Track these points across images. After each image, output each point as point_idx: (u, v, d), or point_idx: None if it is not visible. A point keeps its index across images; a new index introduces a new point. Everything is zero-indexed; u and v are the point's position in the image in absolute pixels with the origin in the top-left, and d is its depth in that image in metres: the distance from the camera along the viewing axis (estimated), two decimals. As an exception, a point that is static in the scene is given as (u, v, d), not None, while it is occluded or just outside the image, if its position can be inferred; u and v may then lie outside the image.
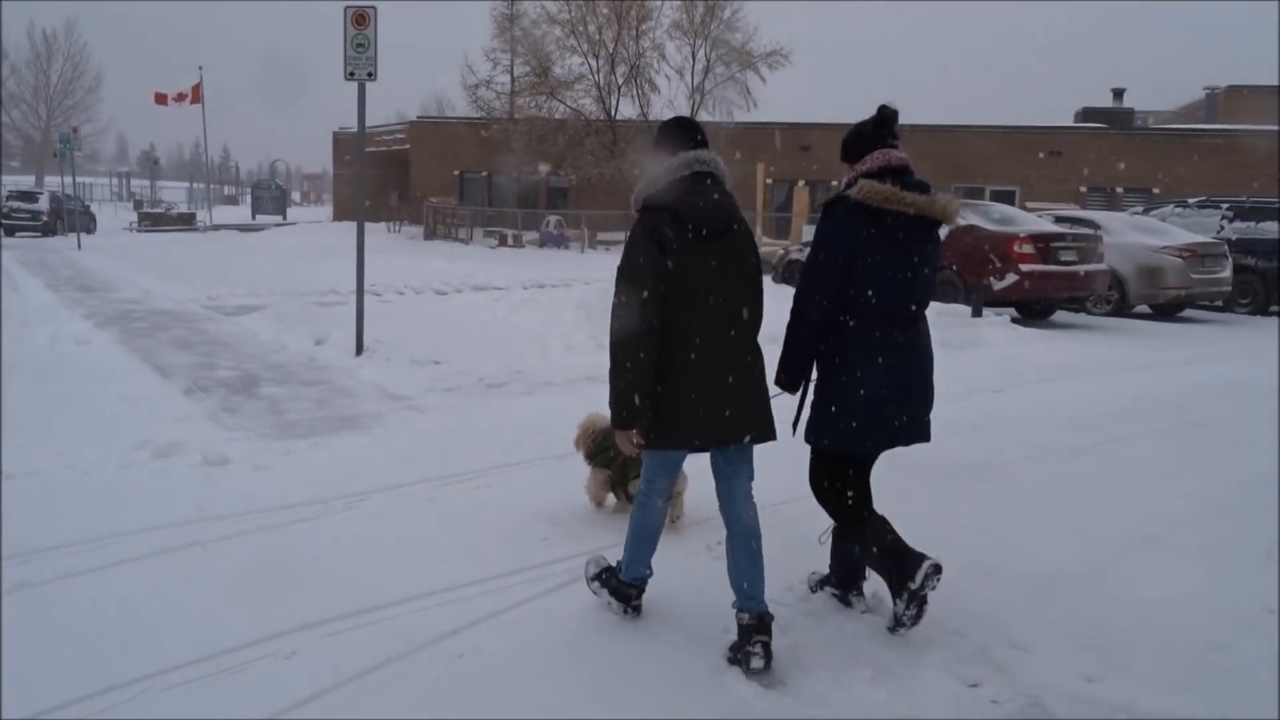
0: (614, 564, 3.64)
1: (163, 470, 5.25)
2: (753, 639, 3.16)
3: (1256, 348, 11.52)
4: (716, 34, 31.58)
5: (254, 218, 47.97)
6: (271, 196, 51.81)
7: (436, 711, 2.90)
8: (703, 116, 32.06)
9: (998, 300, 12.79)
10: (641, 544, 3.50)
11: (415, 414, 6.72)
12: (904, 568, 3.38)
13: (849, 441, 3.51)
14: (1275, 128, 28.88)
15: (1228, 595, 3.90)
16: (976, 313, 12.23)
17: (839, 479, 3.66)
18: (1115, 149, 31.66)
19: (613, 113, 32.54)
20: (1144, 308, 14.82)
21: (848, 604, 3.66)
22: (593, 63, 32.40)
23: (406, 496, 4.95)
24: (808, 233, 26.20)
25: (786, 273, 16.27)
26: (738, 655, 3.20)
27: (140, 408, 6.63)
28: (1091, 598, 3.85)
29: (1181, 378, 9.20)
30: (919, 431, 3.63)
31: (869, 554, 3.53)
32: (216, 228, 40.45)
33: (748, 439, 3.35)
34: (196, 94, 43.20)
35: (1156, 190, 29.77)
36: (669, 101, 33.32)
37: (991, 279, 12.64)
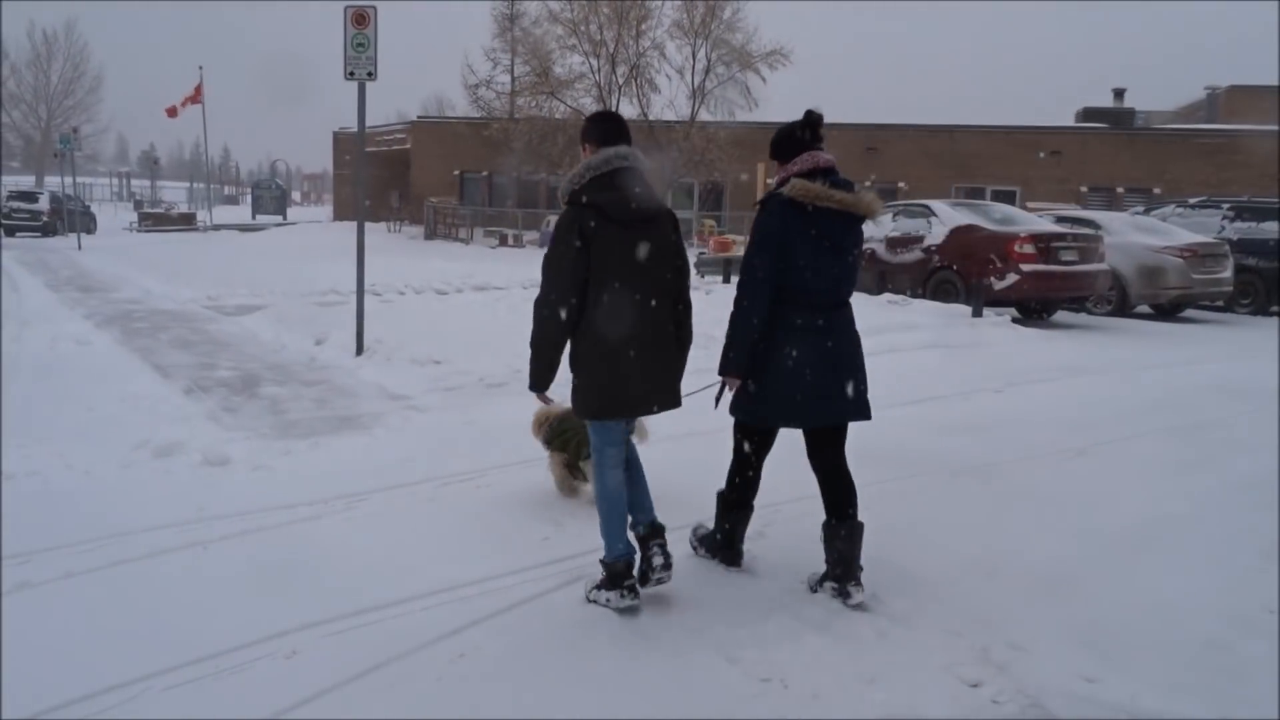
0: (606, 563, 3.67)
1: (163, 470, 5.25)
2: (651, 544, 3.61)
3: (1257, 348, 11.51)
4: (717, 34, 31.57)
5: (254, 218, 47.98)
6: (272, 196, 51.81)
7: (437, 711, 2.90)
8: (704, 116, 32.08)
9: (998, 300, 12.79)
10: (612, 518, 3.65)
11: (415, 414, 6.72)
12: (732, 545, 4.03)
13: (772, 417, 3.82)
14: (1276, 128, 28.86)
15: (1228, 595, 3.90)
16: (977, 313, 12.22)
17: (750, 451, 3.98)
18: (1116, 149, 31.66)
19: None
20: (1145, 308, 14.81)
21: (846, 595, 3.71)
22: (593, 62, 32.40)
23: (407, 496, 4.95)
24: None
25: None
26: (646, 565, 3.58)
27: (140, 408, 6.64)
28: (1092, 598, 3.85)
29: (1182, 378, 9.19)
30: (852, 410, 3.82)
31: (723, 523, 4.03)
32: (217, 228, 40.46)
33: (657, 409, 3.70)
34: (198, 94, 43.21)
35: (1157, 190, 29.76)
36: (669, 101, 33.36)
37: (992, 279, 12.63)
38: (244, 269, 18.09)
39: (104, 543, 4.16)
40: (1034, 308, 13.74)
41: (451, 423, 6.54)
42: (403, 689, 3.03)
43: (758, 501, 4.57)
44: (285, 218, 48.79)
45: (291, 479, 5.19)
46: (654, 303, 3.58)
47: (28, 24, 71.01)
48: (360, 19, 8.34)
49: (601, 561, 3.66)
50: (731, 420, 4.01)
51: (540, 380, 3.65)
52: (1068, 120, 36.11)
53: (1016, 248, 12.55)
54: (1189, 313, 15.37)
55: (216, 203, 58.30)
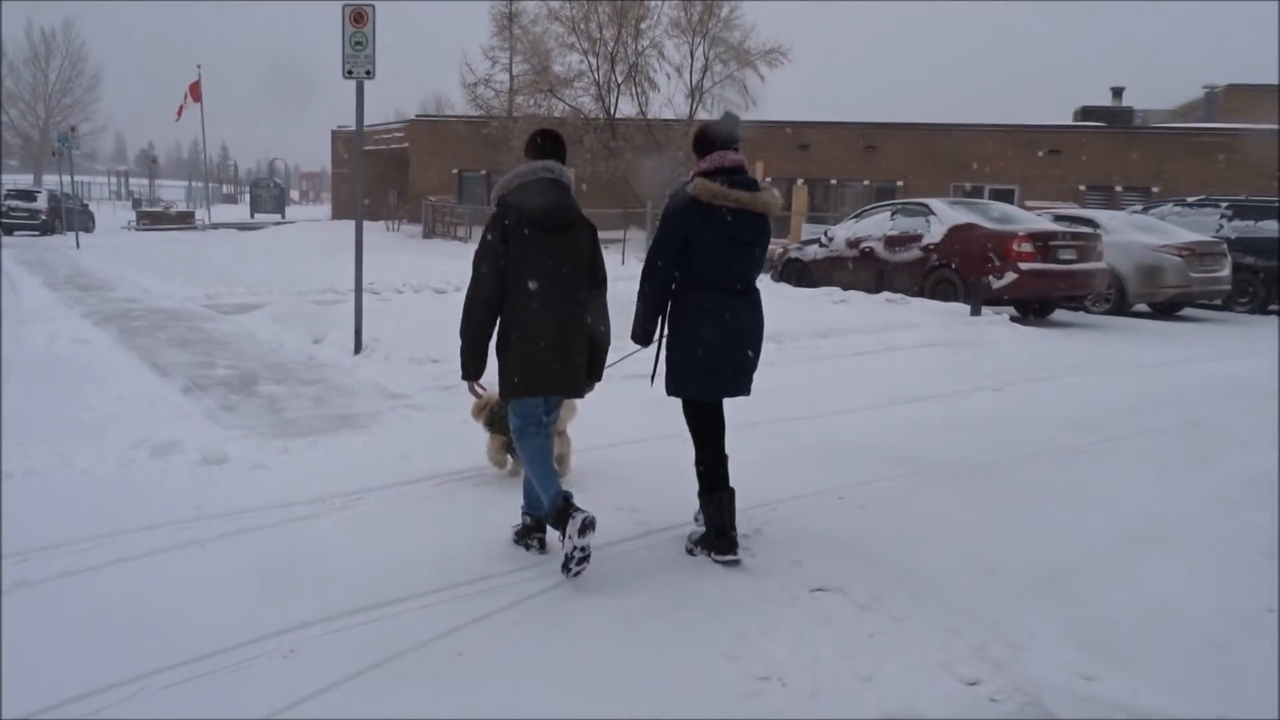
0: (529, 522, 4.22)
1: (161, 469, 5.25)
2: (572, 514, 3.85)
3: (1256, 346, 11.53)
4: (715, 32, 31.56)
5: (253, 216, 47.93)
6: (270, 195, 51.76)
7: (435, 710, 2.90)
8: (702, 115, 32.06)
9: (997, 299, 12.80)
10: (541, 472, 4.04)
11: (414, 412, 6.71)
12: (724, 533, 4.12)
13: (684, 389, 4.19)
14: (1275, 127, 28.88)
15: (1227, 594, 3.90)
16: (975, 311, 12.23)
17: (701, 421, 4.29)
18: (1114, 147, 31.66)
19: (612, 111, 32.53)
20: (1143, 306, 14.82)
21: (721, 556, 4.08)
22: (592, 61, 32.39)
23: (405, 495, 4.95)
24: (807, 231, 26.21)
25: (786, 271, 16.28)
26: (567, 563, 3.80)
27: (138, 406, 6.63)
28: (1090, 596, 3.85)
29: (1180, 377, 9.20)
30: (737, 388, 4.25)
31: (703, 500, 4.21)
32: (215, 226, 40.43)
33: (569, 393, 4.17)
34: (196, 92, 43.17)
35: (1156, 189, 29.77)
36: (668, 100, 33.34)
37: (991, 277, 12.64)
38: (242, 268, 18.08)
39: (102, 541, 4.16)
40: (1032, 306, 13.75)
41: (449, 421, 6.53)
42: (401, 688, 3.03)
43: (755, 499, 4.58)
44: (284, 216, 48.75)
45: (289, 477, 5.18)
46: (566, 299, 3.99)
47: (26, 22, 70.87)
48: (358, 17, 8.33)
49: (547, 514, 3.96)
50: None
51: (470, 367, 4.08)
52: (1066, 119, 36.11)
53: (1015, 246, 12.55)
54: (1187, 311, 15.38)
55: (215, 201, 58.27)
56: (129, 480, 5.06)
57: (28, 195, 34.65)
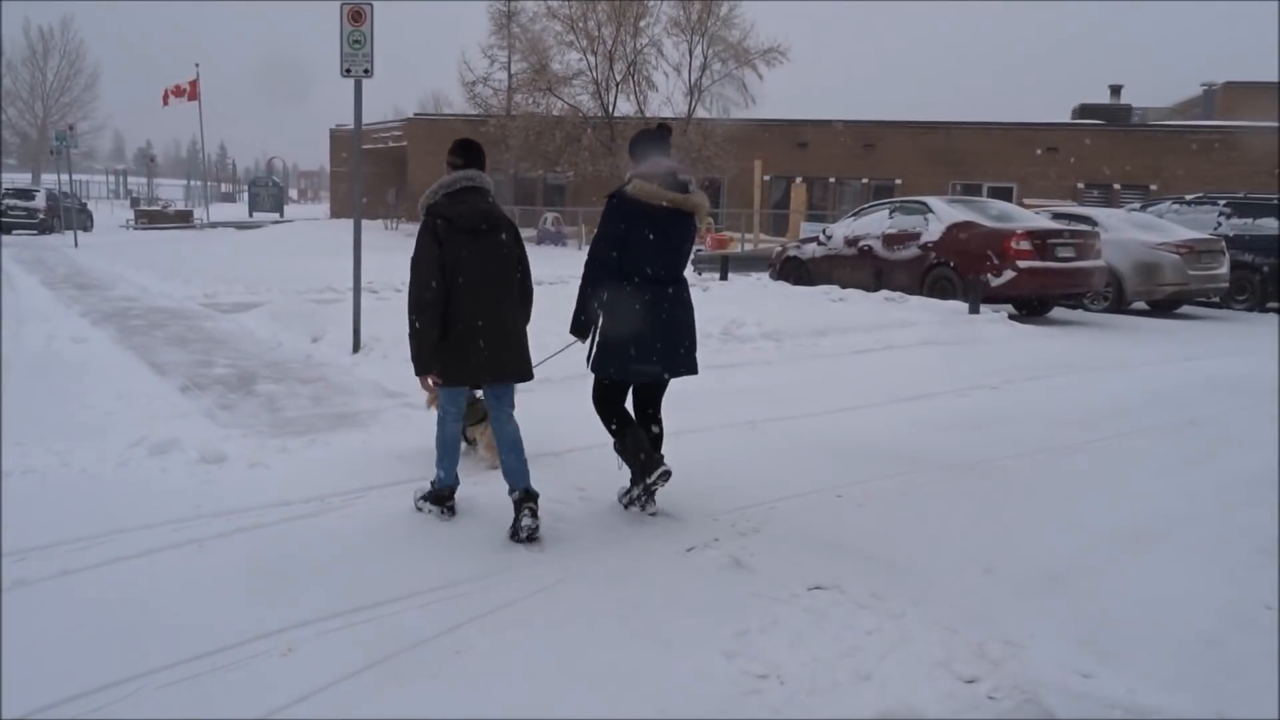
0: (429, 488, 4.66)
1: (159, 468, 5.24)
2: (523, 506, 4.28)
3: (1254, 344, 11.54)
4: (714, 31, 31.57)
5: (251, 215, 47.94)
6: (269, 194, 51.77)
7: (433, 709, 2.90)
8: (700, 113, 32.08)
9: (995, 297, 12.80)
10: (445, 457, 4.56)
11: (412, 411, 6.71)
12: (647, 469, 4.53)
13: (618, 372, 4.55)
14: (1273, 124, 28.90)
15: (1225, 592, 3.91)
16: (974, 309, 12.23)
17: (611, 399, 4.69)
18: (1113, 145, 31.69)
19: (610, 109, 32.53)
20: (1141, 304, 14.83)
21: (627, 503, 4.66)
22: (591, 59, 32.40)
23: (403, 493, 4.95)
24: (806, 229, 26.22)
25: (784, 269, 16.28)
26: (516, 524, 4.27)
27: (137, 405, 6.63)
28: (1088, 594, 3.86)
29: (1179, 374, 9.21)
30: (682, 367, 4.66)
31: (626, 452, 4.62)
32: (213, 225, 40.41)
33: (505, 379, 4.50)
34: (194, 91, 43.14)
35: (1154, 186, 29.81)
36: (666, 98, 33.38)
37: (989, 275, 12.64)
38: (240, 266, 18.07)
39: (100, 540, 4.16)
40: (1031, 304, 13.76)
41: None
42: (399, 686, 3.03)
43: (754, 497, 4.62)
44: (282, 215, 48.77)
45: (288, 476, 5.18)
46: (494, 294, 4.36)
47: (24, 20, 70.86)
48: (356, 16, 8.32)
49: (432, 484, 4.61)
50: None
51: (421, 363, 4.36)
52: (1064, 117, 36.13)
53: (1013, 244, 12.55)
54: (1185, 309, 15.40)
55: (213, 200, 58.24)
56: (127, 479, 5.06)
57: (26, 194, 34.63)
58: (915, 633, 3.44)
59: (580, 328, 4.60)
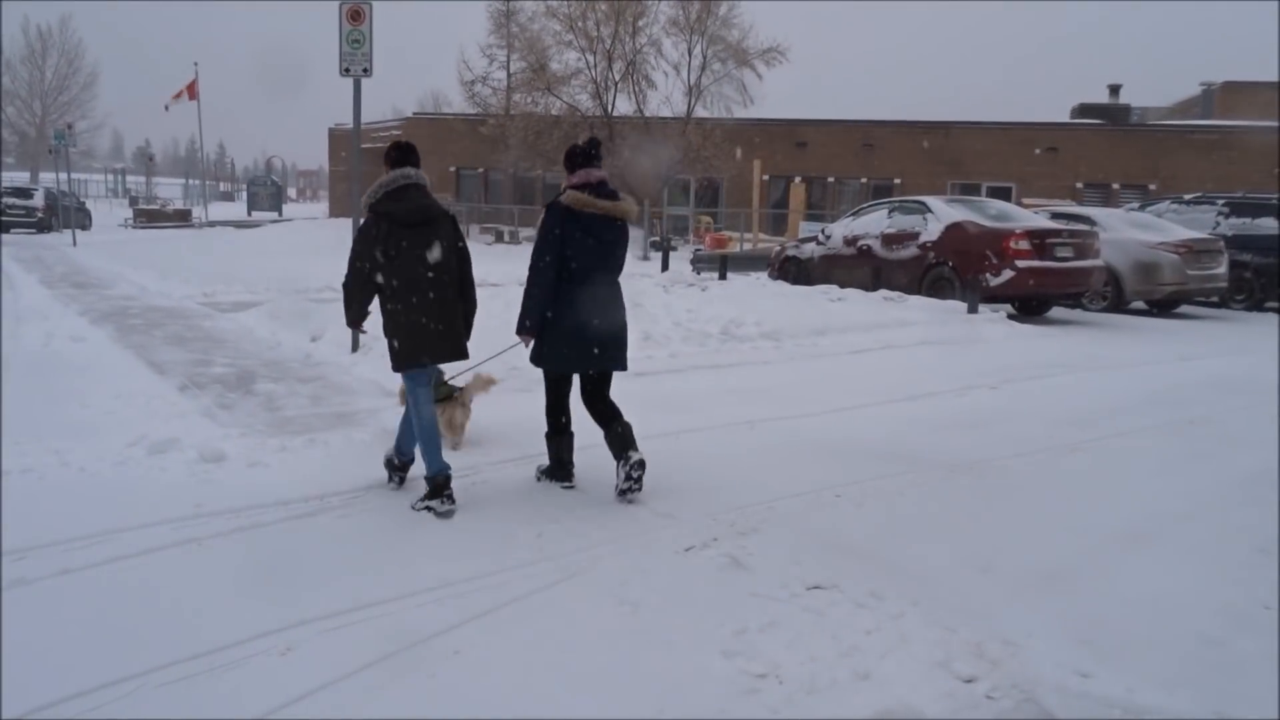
0: (395, 460, 5.04)
1: (158, 467, 5.24)
2: (441, 492, 4.65)
3: (1252, 344, 11.55)
4: (713, 30, 31.54)
5: (250, 214, 47.91)
6: (267, 193, 51.73)
7: (431, 708, 2.90)
8: (700, 113, 32.07)
9: (994, 296, 12.81)
10: (430, 442, 4.77)
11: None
12: (563, 465, 5.14)
13: (560, 365, 4.99)
14: (1272, 123, 28.91)
15: (1224, 591, 3.91)
16: (973, 309, 12.24)
17: (558, 393, 5.15)
18: (1112, 145, 31.70)
19: (609, 109, 32.52)
20: (1140, 304, 14.84)
21: (567, 480, 5.12)
22: (590, 58, 32.37)
23: (402, 493, 4.95)
24: (805, 229, 26.23)
25: (783, 269, 16.28)
26: (430, 501, 4.63)
27: (135, 404, 6.63)
28: (1087, 593, 3.86)
29: (1177, 374, 9.22)
30: (614, 362, 5.01)
31: (554, 448, 5.14)
32: (212, 224, 40.38)
33: (444, 359, 4.88)
34: (192, 90, 43.10)
35: (1153, 186, 29.83)
36: (665, 97, 33.37)
37: (988, 275, 12.65)
38: (239, 265, 18.07)
39: (99, 539, 4.16)
40: (1030, 304, 13.76)
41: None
42: (398, 685, 3.03)
43: (752, 497, 4.61)
44: (281, 214, 48.72)
45: (287, 475, 5.18)
46: (436, 282, 4.69)
47: (22, 19, 70.74)
48: (355, 15, 8.32)
49: (426, 478, 4.72)
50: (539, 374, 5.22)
51: (352, 320, 4.88)
52: (1063, 116, 36.13)
53: (1012, 244, 12.56)
54: (1184, 309, 15.40)
55: (212, 199, 58.20)
56: (126, 478, 5.06)
57: (24, 193, 34.59)
58: (914, 632, 3.45)
59: (525, 329, 4.91)
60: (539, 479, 5.22)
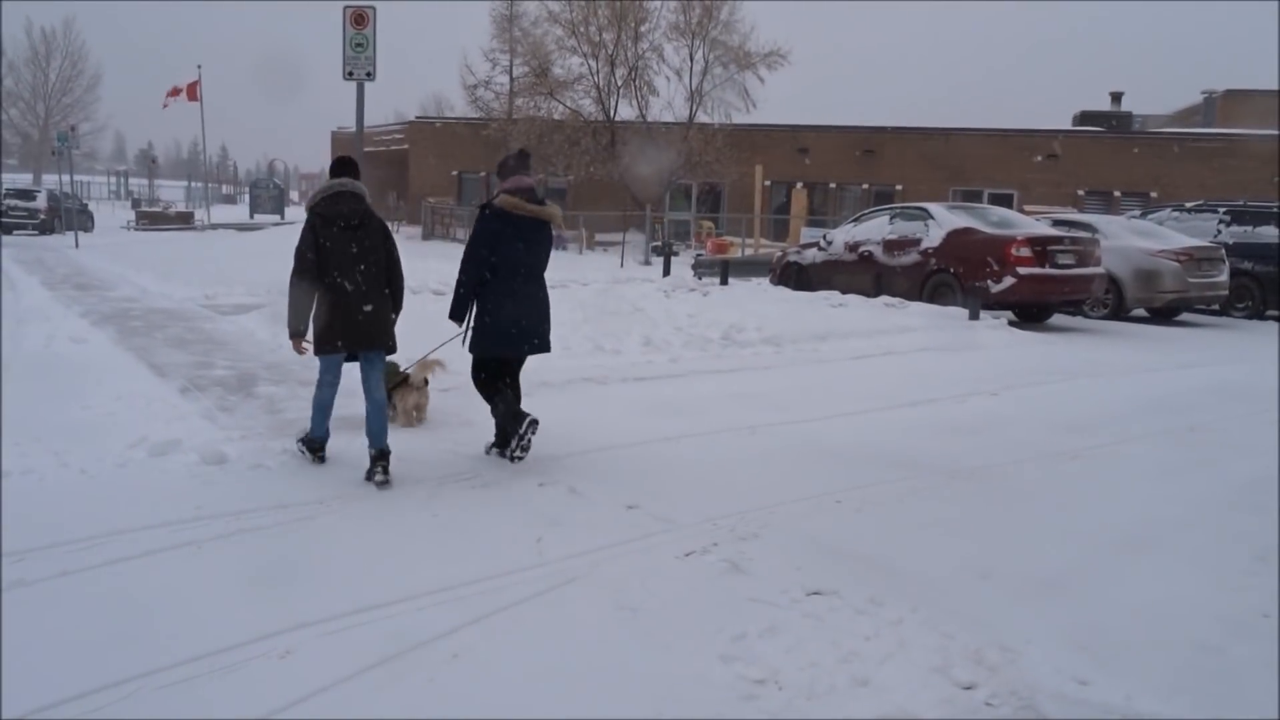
0: (307, 436, 5.58)
1: (159, 469, 5.25)
2: (377, 464, 5.18)
3: (1253, 351, 11.55)
4: (714, 35, 31.59)
5: (252, 217, 47.92)
6: (269, 196, 51.75)
7: (431, 712, 2.90)
8: (701, 118, 32.11)
9: (995, 303, 12.81)
10: (318, 415, 5.48)
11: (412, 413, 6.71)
12: (517, 423, 5.51)
13: (490, 350, 5.63)
14: (1273, 132, 28.92)
15: (1223, 598, 3.91)
16: (974, 315, 12.24)
17: (488, 373, 5.75)
18: (1113, 152, 31.71)
19: (611, 114, 32.55)
20: (1141, 311, 14.84)
21: (512, 457, 5.56)
22: (592, 64, 32.43)
23: (402, 496, 4.96)
24: (806, 234, 26.24)
25: (784, 274, 16.29)
26: (370, 474, 5.19)
27: (136, 406, 6.63)
28: (1086, 600, 3.86)
29: (1178, 381, 9.22)
30: (539, 348, 5.71)
31: (503, 415, 5.59)
32: (214, 227, 40.40)
33: (367, 348, 5.40)
34: (194, 92, 43.16)
35: (1154, 194, 29.84)
36: (668, 103, 33.37)
37: (989, 282, 12.65)
38: (241, 268, 18.07)
39: (99, 541, 4.16)
40: (1030, 311, 13.76)
41: (447, 423, 6.55)
42: (397, 689, 3.03)
43: (753, 502, 4.63)
44: (283, 217, 48.71)
45: (287, 478, 5.19)
46: (358, 279, 5.26)
47: (26, 21, 70.83)
48: (359, 19, 8.35)
49: (308, 435, 5.54)
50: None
51: (296, 328, 5.32)
52: (1065, 123, 36.15)
53: (1013, 251, 12.56)
54: (1185, 316, 15.40)
55: (214, 202, 58.22)
56: (127, 480, 5.07)
57: (27, 195, 34.62)
58: (913, 638, 3.45)
59: (457, 316, 5.60)
60: (488, 453, 5.71)
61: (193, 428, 6.10)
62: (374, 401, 5.38)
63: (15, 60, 67.81)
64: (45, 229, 32.76)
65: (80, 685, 2.97)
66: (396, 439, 6.01)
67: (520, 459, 5.51)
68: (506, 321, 5.49)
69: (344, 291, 5.23)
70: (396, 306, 5.57)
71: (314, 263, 5.24)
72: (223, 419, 6.46)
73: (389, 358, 5.72)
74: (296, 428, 6.17)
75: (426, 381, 6.46)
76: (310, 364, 8.63)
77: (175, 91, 43.03)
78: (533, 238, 5.54)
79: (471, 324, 5.60)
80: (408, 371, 6.44)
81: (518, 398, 5.74)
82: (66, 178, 32.02)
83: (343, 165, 5.51)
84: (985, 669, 3.24)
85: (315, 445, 5.55)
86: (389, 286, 5.49)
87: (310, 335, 5.35)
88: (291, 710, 2.89)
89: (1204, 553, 4.44)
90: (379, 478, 5.14)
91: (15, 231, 31.61)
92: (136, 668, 3.08)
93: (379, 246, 5.41)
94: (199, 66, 43.22)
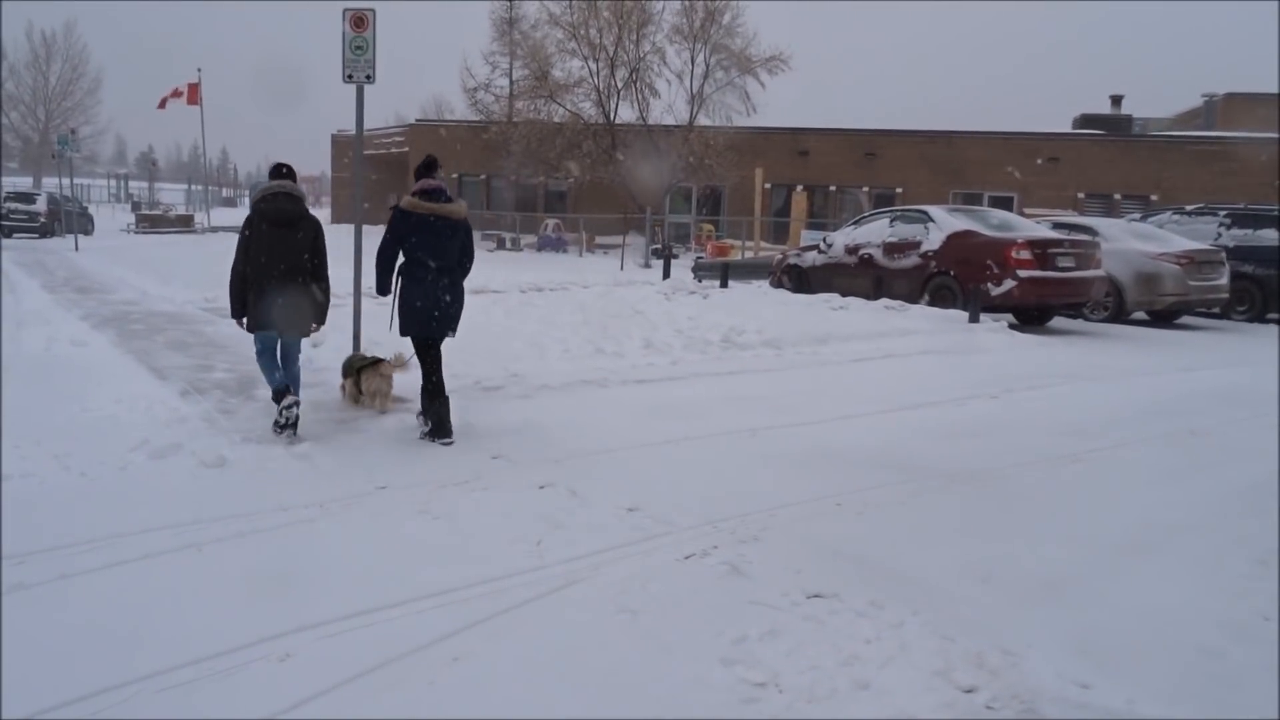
0: (273, 393, 6.32)
1: (159, 472, 5.25)
2: (283, 395, 6.14)
3: (1254, 355, 11.55)
4: (716, 38, 31.62)
5: (252, 219, 47.85)
6: (270, 198, 51.66)
7: (430, 715, 2.90)
8: (702, 121, 32.13)
9: (995, 306, 12.80)
10: (265, 373, 6.37)
11: (411, 416, 6.71)
12: (442, 425, 6.22)
13: (407, 330, 6.37)
14: (1274, 135, 28.94)
15: (1224, 602, 3.91)
16: (974, 318, 12.24)
17: (422, 359, 6.43)
18: (1113, 155, 31.73)
19: (612, 116, 32.58)
20: (1141, 314, 14.84)
21: (443, 439, 6.15)
22: (593, 66, 32.45)
23: (402, 499, 4.95)
24: (807, 237, 26.25)
25: (784, 277, 16.29)
26: (276, 420, 6.12)
27: (137, 409, 6.63)
28: (1087, 604, 3.86)
29: (1178, 385, 9.21)
30: (449, 330, 6.45)
31: (432, 406, 6.27)
32: (214, 229, 40.41)
33: (289, 331, 6.31)
34: (194, 95, 43.19)
35: (1154, 197, 29.84)
36: (668, 106, 33.41)
37: (989, 285, 12.65)
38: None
39: (100, 544, 4.16)
40: (1031, 314, 13.76)
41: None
42: (397, 692, 3.03)
43: (753, 505, 4.63)
44: (283, 220, 48.64)
45: (288, 481, 5.19)
46: (285, 270, 6.14)
47: (26, 25, 70.91)
48: (359, 22, 8.33)
49: (272, 392, 6.29)
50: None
51: (235, 310, 6.32)
52: (1065, 127, 36.17)
53: (1014, 254, 12.56)
54: (1185, 319, 15.40)
55: (214, 204, 58.26)
56: (127, 483, 5.07)
57: (27, 198, 34.63)
58: (914, 641, 3.44)
59: (381, 289, 6.45)
60: (421, 438, 6.25)
61: (193, 431, 6.10)
62: (290, 373, 6.36)
63: (16, 63, 67.81)
64: (45, 232, 32.77)
65: (80, 688, 2.97)
66: (402, 450, 6.04)
67: (283, 428, 6.08)
68: (418, 307, 6.26)
69: (270, 282, 6.08)
70: (318, 300, 6.39)
71: (248, 259, 6.18)
72: (223, 422, 6.46)
73: (392, 355, 6.89)
74: (299, 431, 6.17)
75: (392, 372, 7.03)
76: (311, 367, 8.69)
77: (177, 93, 43.04)
78: (442, 232, 6.28)
79: (395, 310, 6.37)
80: (381, 358, 7.02)
81: (438, 372, 6.38)
82: (66, 181, 32.02)
83: (278, 171, 6.47)
84: (986, 672, 3.24)
85: (276, 394, 6.24)
86: (314, 278, 6.35)
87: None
88: (292, 713, 2.89)
89: (1204, 557, 4.44)
90: (283, 409, 6.06)
91: (15, 235, 31.61)
92: (136, 670, 3.08)
93: (306, 245, 6.28)
94: (199, 70, 43.26)
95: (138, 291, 15.15)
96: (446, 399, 6.31)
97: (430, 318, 6.29)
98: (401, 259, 6.35)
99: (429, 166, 6.51)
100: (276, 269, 6.10)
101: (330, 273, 6.57)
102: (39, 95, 69.91)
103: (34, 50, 68.96)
